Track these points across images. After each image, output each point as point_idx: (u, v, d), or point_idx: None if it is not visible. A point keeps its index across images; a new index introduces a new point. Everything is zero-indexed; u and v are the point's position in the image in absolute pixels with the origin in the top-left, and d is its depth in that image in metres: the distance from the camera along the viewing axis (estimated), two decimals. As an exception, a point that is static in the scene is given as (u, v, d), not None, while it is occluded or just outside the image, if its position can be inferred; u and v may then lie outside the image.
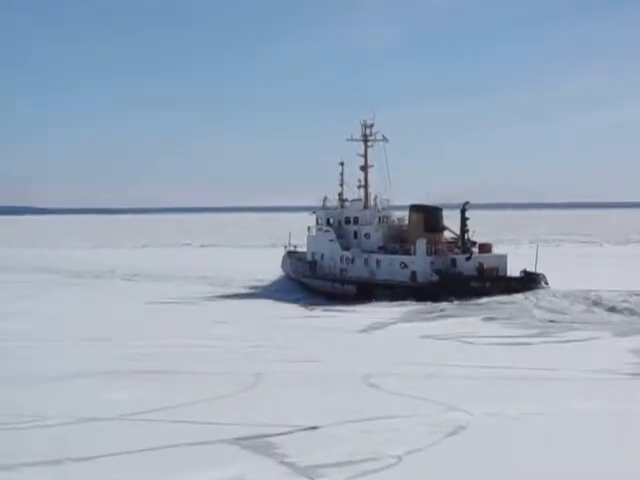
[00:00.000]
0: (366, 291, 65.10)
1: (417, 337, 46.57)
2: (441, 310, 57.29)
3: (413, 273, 64.53)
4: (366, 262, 68.94)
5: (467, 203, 66.17)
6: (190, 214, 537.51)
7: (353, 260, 70.29)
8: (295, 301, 67.63)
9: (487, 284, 61.33)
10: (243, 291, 76.20)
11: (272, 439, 24.46)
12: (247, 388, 32.17)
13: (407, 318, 54.98)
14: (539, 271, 62.15)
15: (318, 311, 61.30)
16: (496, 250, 67.49)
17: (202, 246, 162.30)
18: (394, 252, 67.81)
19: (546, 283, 61.59)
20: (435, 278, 63.26)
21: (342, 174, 75.85)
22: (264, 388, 32.23)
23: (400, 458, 22.12)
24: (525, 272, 62.38)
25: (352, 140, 74.40)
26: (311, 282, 73.91)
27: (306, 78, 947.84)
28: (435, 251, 64.79)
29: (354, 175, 75.58)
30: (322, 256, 74.61)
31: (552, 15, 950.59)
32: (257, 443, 24.07)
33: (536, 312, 54.62)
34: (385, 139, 73.99)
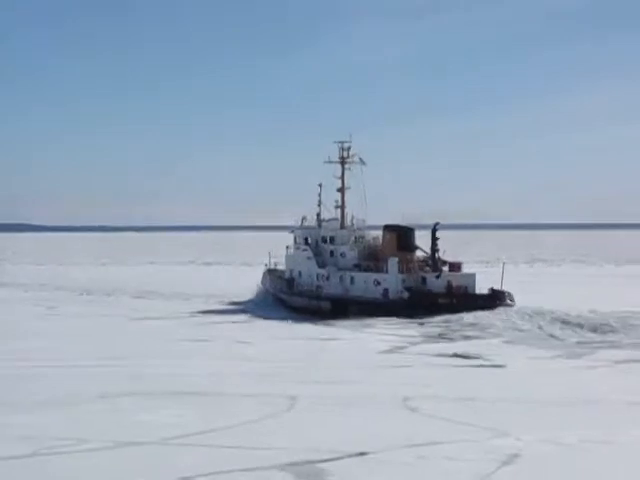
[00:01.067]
0: (340, 307, 66.60)
1: (438, 358, 45.69)
2: (443, 333, 56.35)
3: (385, 290, 66.51)
4: (341, 279, 70.48)
5: (437, 224, 67.95)
6: (183, 232, 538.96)
7: (328, 277, 71.69)
8: (283, 319, 67.30)
9: (454, 301, 63.17)
10: (236, 307, 77.28)
11: (323, 465, 23.66)
12: (284, 411, 31.34)
13: (419, 340, 53.62)
14: (505, 289, 64.12)
15: (326, 330, 59.97)
16: (466, 269, 68.86)
17: (205, 264, 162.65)
18: (368, 270, 69.38)
19: (512, 300, 63.19)
20: (406, 295, 65.19)
21: (320, 195, 77.25)
22: (303, 411, 31.35)
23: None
24: (492, 290, 64.25)
25: (329, 162, 76.03)
26: (289, 298, 75.13)
27: (289, 98, 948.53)
28: (406, 269, 66.81)
29: (333, 195, 77.10)
30: (300, 273, 75.79)
31: (536, 38, 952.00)
32: (309, 470, 23.30)
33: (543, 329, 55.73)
34: (362, 162, 75.64)
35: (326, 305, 68.80)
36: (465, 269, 68.67)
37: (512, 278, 67.96)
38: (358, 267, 70.55)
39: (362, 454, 24.77)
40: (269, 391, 35.33)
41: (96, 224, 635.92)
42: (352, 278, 69.51)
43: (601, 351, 47.62)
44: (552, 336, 53.45)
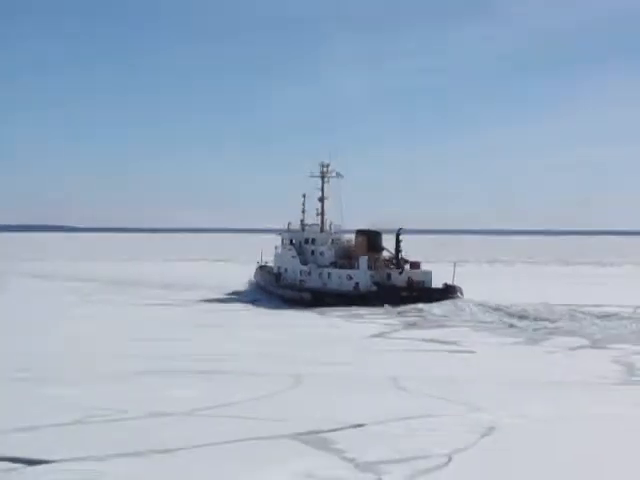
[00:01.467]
0: (319, 298, 68.48)
1: (418, 343, 45.30)
2: (418, 322, 55.94)
3: (357, 284, 68.70)
4: (320, 275, 72.62)
5: (401, 229, 70.76)
6: (191, 233, 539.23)
7: (310, 273, 73.74)
8: (280, 309, 67.31)
9: (414, 294, 65.27)
10: (237, 297, 77.86)
11: (327, 435, 23.34)
12: (292, 387, 30.97)
13: (399, 328, 53.23)
14: (457, 284, 66.34)
15: (319, 319, 59.45)
16: (424, 267, 70.94)
17: (216, 260, 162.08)
18: (342, 267, 71.62)
19: (461, 294, 65.39)
20: (374, 288, 67.47)
21: (304, 204, 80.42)
22: (308, 388, 30.97)
23: (450, 457, 20.99)
24: (445, 285, 66.41)
25: (312, 176, 79.03)
26: (276, 290, 76.85)
27: (281, 124, 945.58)
28: (374, 267, 69.29)
29: (315, 204, 79.92)
30: (285, 269, 78.03)
31: (498, 74, 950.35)
32: (315, 439, 22.95)
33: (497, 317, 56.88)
34: (340, 175, 78.62)
35: (307, 296, 70.27)
36: (423, 267, 70.59)
37: (473, 276, 67.15)
38: (334, 264, 72.87)
39: (360, 425, 24.47)
40: (279, 370, 34.88)
41: (118, 225, 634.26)
42: (329, 274, 71.69)
43: (555, 338, 47.42)
44: (512, 325, 53.35)
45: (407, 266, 69.67)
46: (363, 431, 23.91)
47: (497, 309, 59.92)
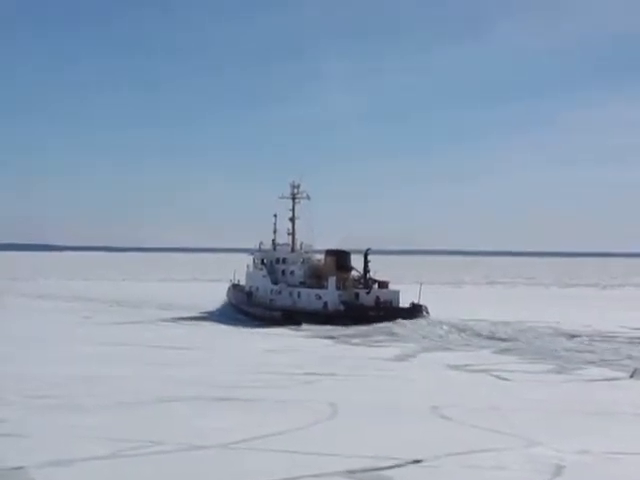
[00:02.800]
0: (289, 316, 68.72)
1: (446, 368, 43.36)
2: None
3: (325, 303, 69.39)
4: (290, 294, 73.51)
5: (369, 249, 71.59)
6: (177, 253, 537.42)
7: (280, 292, 74.79)
8: (258, 326, 67.64)
9: (381, 313, 66.44)
10: (216, 316, 77.27)
11: (385, 473, 21.60)
12: (331, 416, 29.17)
13: (423, 349, 51.84)
14: (423, 303, 67.99)
15: (331, 342, 57.31)
16: (392, 286, 71.70)
17: (210, 280, 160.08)
18: (312, 286, 72.46)
19: (427, 313, 67.04)
20: (342, 307, 68.23)
21: (275, 224, 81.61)
22: (348, 418, 29.10)
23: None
24: (412, 304, 68.08)
25: (283, 198, 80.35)
26: (247, 309, 77.53)
27: (255, 143, 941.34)
28: (343, 286, 70.00)
29: (286, 224, 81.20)
30: (257, 288, 79.07)
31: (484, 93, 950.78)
32: (373, 477, 21.22)
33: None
34: (308, 197, 79.86)
35: (277, 315, 70.62)
36: (392, 287, 71.51)
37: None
38: (304, 284, 73.84)
39: (417, 461, 22.74)
40: (308, 397, 33.17)
41: (101, 244, 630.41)
42: (299, 293, 72.66)
43: (585, 366, 45.80)
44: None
45: (375, 286, 70.64)
46: (423, 468, 22.18)
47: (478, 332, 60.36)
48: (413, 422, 28.59)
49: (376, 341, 56.67)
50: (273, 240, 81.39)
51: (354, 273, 72.70)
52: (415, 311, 66.72)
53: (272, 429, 26.76)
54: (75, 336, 58.41)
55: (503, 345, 54.06)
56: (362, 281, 71.25)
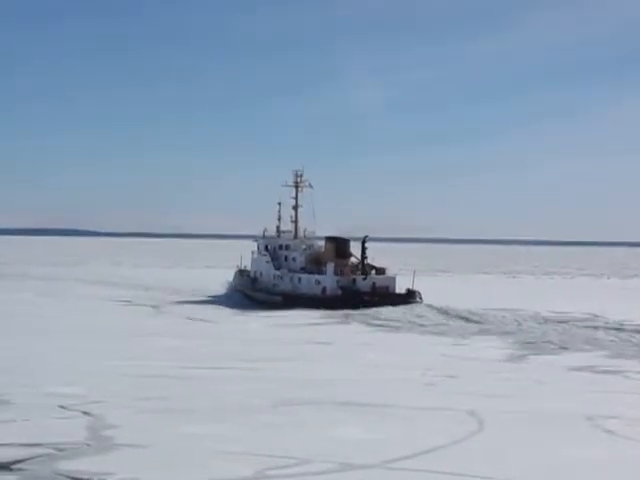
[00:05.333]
0: (289, 301, 71.29)
1: (567, 370, 39.31)
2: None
3: (324, 288, 71.77)
4: (291, 279, 76.04)
5: (366, 237, 74.19)
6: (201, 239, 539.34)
7: (282, 277, 77.27)
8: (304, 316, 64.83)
9: (376, 298, 68.98)
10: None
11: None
12: (479, 429, 25.57)
13: (521, 348, 47.88)
14: (417, 290, 70.69)
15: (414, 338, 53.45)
16: (389, 273, 74.29)
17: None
18: (311, 272, 74.93)
19: (421, 299, 69.77)
20: (339, 292, 70.63)
21: (279, 211, 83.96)
22: (500, 431, 25.49)
23: None
24: (408, 290, 70.86)
25: (286, 186, 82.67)
26: (252, 293, 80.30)
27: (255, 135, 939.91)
28: (341, 272, 72.51)
29: (290, 212, 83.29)
30: (261, 274, 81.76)
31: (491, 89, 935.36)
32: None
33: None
34: (311, 186, 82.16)
35: (278, 299, 73.38)
36: (389, 273, 74.24)
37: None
38: (304, 269, 76.43)
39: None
40: (442, 404, 29.60)
41: (130, 230, 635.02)
42: (299, 278, 75.21)
43: None
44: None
45: (373, 272, 73.31)
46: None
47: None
48: (577, 437, 25.02)
49: (461, 337, 52.58)
50: (277, 227, 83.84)
51: (353, 260, 75.16)
52: (409, 297, 69.82)
53: (427, 443, 23.39)
54: (151, 329, 55.53)
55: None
56: (360, 267, 73.64)
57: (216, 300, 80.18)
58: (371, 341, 49.82)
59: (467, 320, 60.52)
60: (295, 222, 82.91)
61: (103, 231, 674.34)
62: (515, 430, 25.67)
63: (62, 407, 27.96)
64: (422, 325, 58.32)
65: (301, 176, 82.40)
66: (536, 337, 52.11)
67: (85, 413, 27.05)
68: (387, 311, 65.13)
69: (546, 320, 61.32)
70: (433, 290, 77.57)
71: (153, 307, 72.41)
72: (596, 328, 56.32)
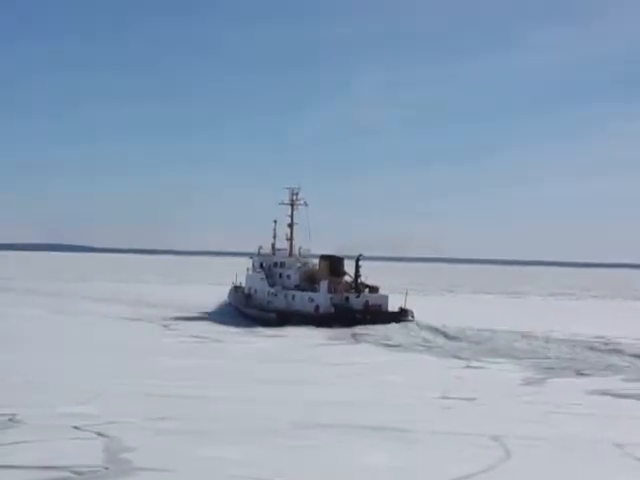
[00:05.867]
0: (283, 318, 71.57)
1: (587, 393, 38.45)
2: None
3: (317, 306, 71.92)
4: (285, 296, 76.19)
5: (360, 255, 74.98)
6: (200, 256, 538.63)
7: (276, 294, 77.56)
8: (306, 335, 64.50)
9: (368, 316, 69.48)
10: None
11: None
12: (506, 457, 24.90)
13: (541, 376, 47.11)
14: (409, 308, 71.26)
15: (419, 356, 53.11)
16: (382, 291, 75.11)
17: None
18: (305, 290, 75.38)
19: (412, 317, 70.25)
20: (332, 310, 70.82)
21: (275, 229, 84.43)
22: (526, 458, 24.87)
23: None
24: (400, 308, 71.38)
25: (282, 204, 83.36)
26: (246, 310, 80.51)
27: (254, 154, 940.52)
28: (334, 290, 72.78)
29: (285, 230, 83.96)
30: (255, 291, 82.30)
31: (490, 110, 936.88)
32: None
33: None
34: (306, 204, 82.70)
35: (272, 316, 73.48)
36: (382, 292, 74.95)
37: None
38: (298, 287, 76.82)
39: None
40: (462, 429, 28.97)
41: (129, 247, 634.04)
42: (293, 295, 75.51)
43: None
44: None
45: (366, 290, 74.06)
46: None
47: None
48: (609, 465, 24.44)
49: (470, 358, 51.85)
50: (273, 245, 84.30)
51: (347, 278, 75.59)
52: (401, 315, 70.31)
53: (454, 471, 22.85)
54: (159, 347, 54.87)
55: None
56: (353, 285, 74.44)
57: (217, 317, 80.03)
58: (383, 362, 49.08)
59: (477, 343, 59.79)
60: (290, 240, 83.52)
61: (99, 247, 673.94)
62: (544, 458, 25.07)
63: (76, 428, 27.41)
64: (434, 347, 57.55)
65: (297, 194, 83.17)
66: (550, 360, 51.36)
67: (100, 434, 26.50)
68: (394, 332, 64.88)
69: (557, 342, 60.55)
70: (441, 310, 77.26)
71: (161, 325, 71.71)
72: (609, 352, 55.53)
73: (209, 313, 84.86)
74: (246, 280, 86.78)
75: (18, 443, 24.96)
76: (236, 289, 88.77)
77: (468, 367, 47.91)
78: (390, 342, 59.92)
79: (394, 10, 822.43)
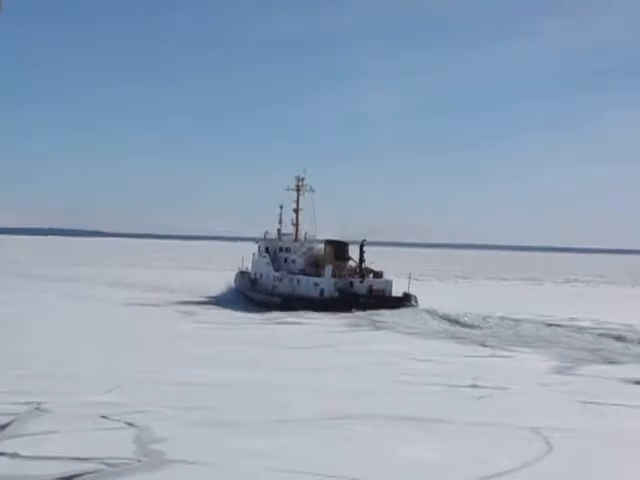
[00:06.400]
0: (288, 303, 72.26)
1: (623, 383, 37.55)
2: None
3: (322, 290, 72.67)
4: (290, 281, 76.99)
5: (364, 240, 75.45)
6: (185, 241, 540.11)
7: (281, 279, 78.36)
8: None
9: (372, 301, 70.10)
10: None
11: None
12: (548, 450, 24.14)
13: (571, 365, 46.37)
14: (413, 293, 71.85)
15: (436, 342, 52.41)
16: (386, 276, 75.46)
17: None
18: (310, 274, 75.86)
19: (416, 302, 70.74)
20: (336, 294, 71.57)
21: (280, 214, 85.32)
22: (570, 451, 24.12)
23: None
24: (404, 293, 72.12)
25: (288, 190, 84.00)
26: (251, 294, 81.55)
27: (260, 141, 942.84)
28: (339, 275, 73.55)
29: (291, 215, 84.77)
30: (261, 275, 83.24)
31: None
32: None
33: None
34: (312, 190, 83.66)
35: (277, 300, 74.32)
36: (386, 276, 75.34)
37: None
38: (303, 272, 77.33)
39: None
40: (499, 419, 28.19)
41: (135, 232, 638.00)
42: (298, 280, 76.11)
43: None
44: None
45: (371, 275, 74.59)
46: None
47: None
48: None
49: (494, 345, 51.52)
50: (278, 230, 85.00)
51: (351, 263, 76.23)
52: (405, 300, 70.77)
53: (496, 465, 22.12)
54: (180, 333, 54.25)
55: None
56: (357, 270, 74.83)
57: (227, 303, 79.64)
58: (408, 350, 48.26)
59: (501, 331, 59.06)
60: (296, 225, 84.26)
61: (107, 231, 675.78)
62: (591, 451, 24.27)
63: (104, 417, 26.82)
64: (458, 335, 56.73)
65: (302, 180, 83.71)
66: (577, 348, 50.58)
67: (129, 424, 25.90)
68: (414, 319, 64.57)
69: (581, 331, 59.72)
70: (460, 297, 76.53)
71: (176, 310, 71.21)
72: (637, 341, 54.68)
73: (216, 298, 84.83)
74: (252, 265, 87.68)
75: (47, 433, 24.40)
76: (242, 274, 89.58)
77: (493, 356, 47.07)
78: (412, 330, 59.22)
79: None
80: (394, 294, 72.63)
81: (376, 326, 61.78)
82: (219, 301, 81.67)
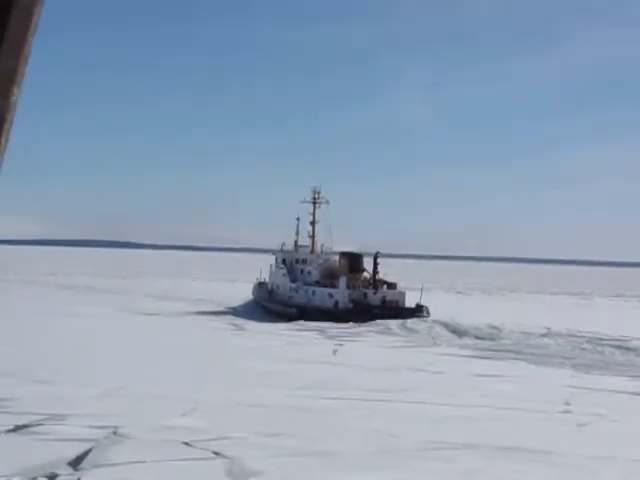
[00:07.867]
0: (303, 313, 73.10)
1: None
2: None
3: (336, 301, 74.24)
4: (306, 292, 78.44)
5: (378, 253, 77.85)
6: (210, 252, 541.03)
7: (297, 290, 79.81)
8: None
9: (384, 311, 71.38)
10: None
11: None
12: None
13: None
14: (425, 305, 73.09)
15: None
16: (399, 288, 77.55)
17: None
18: (325, 286, 77.52)
19: (428, 313, 71.98)
20: (350, 305, 72.95)
21: (297, 226, 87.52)
22: None
23: None
24: (417, 304, 73.24)
25: (304, 202, 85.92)
26: (269, 305, 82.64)
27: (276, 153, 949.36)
28: (353, 286, 75.30)
29: (307, 227, 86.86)
30: (278, 286, 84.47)
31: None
32: None
33: None
34: (327, 202, 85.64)
35: (293, 311, 74.82)
36: (399, 288, 77.34)
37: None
38: (318, 283, 78.86)
39: None
40: (614, 452, 25.66)
41: (180, 244, 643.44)
42: (314, 291, 77.63)
43: None
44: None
45: (384, 286, 76.16)
46: None
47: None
48: None
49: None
50: (295, 242, 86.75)
51: (366, 274, 77.89)
52: (417, 311, 72.09)
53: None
54: (239, 349, 52.42)
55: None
56: (371, 282, 76.34)
57: (255, 315, 79.06)
58: (482, 370, 45.79)
59: (575, 352, 56.02)
60: (312, 237, 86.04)
61: (143, 243, 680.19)
62: None
63: (187, 444, 24.78)
64: (533, 353, 53.86)
65: (319, 193, 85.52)
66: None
67: (216, 454, 23.81)
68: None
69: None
70: (520, 312, 73.61)
71: (226, 323, 69.56)
72: None
73: (234, 309, 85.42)
74: (269, 276, 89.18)
75: (131, 463, 22.41)
76: (260, 285, 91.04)
77: (575, 377, 44.53)
78: (472, 348, 56.59)
79: (441, 10, 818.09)
80: (407, 305, 74.09)
81: (436, 343, 59.51)
82: (236, 312, 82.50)
